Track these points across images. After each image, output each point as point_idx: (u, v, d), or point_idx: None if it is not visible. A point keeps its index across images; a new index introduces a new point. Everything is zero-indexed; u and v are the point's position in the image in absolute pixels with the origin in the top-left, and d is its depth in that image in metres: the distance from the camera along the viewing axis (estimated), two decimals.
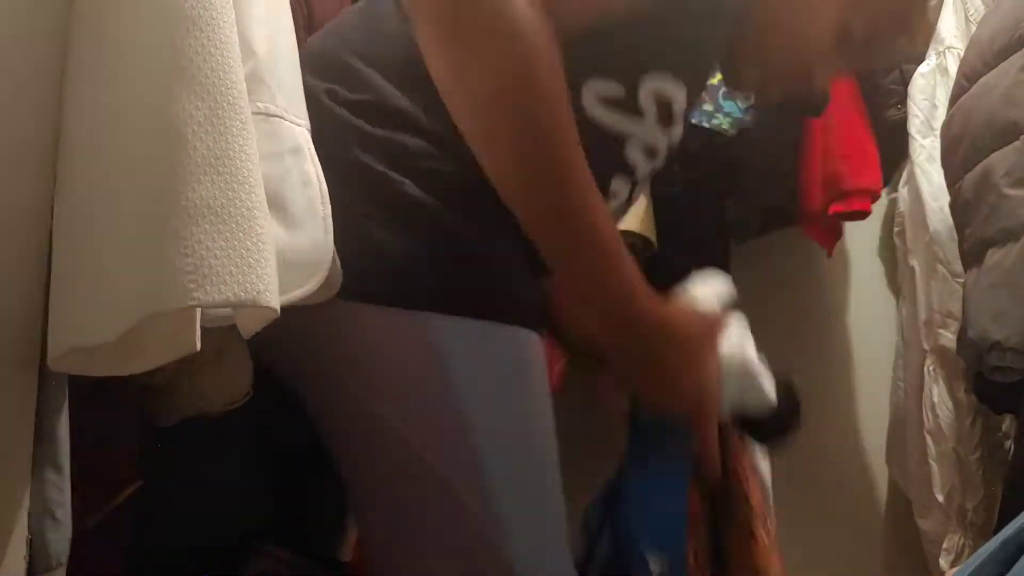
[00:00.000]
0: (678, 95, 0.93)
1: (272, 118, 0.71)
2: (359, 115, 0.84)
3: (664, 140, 0.96)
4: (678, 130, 0.97)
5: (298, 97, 0.77)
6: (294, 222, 0.72)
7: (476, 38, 0.78)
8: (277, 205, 0.70)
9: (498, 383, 0.84)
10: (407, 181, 0.82)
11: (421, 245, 0.81)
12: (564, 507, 0.88)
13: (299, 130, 0.74)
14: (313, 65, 0.87)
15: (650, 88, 0.91)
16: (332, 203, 0.76)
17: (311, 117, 0.80)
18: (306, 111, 0.79)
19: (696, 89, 0.98)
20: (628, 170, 0.95)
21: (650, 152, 0.96)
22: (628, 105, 0.90)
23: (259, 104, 0.70)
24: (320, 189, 0.74)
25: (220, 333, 0.76)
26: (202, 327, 0.68)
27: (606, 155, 0.91)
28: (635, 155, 0.94)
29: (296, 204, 0.72)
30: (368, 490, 0.87)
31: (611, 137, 0.91)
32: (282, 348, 0.83)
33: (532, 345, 0.87)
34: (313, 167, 0.75)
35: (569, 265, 0.84)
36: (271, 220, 0.66)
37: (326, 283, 0.74)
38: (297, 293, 0.70)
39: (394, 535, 0.84)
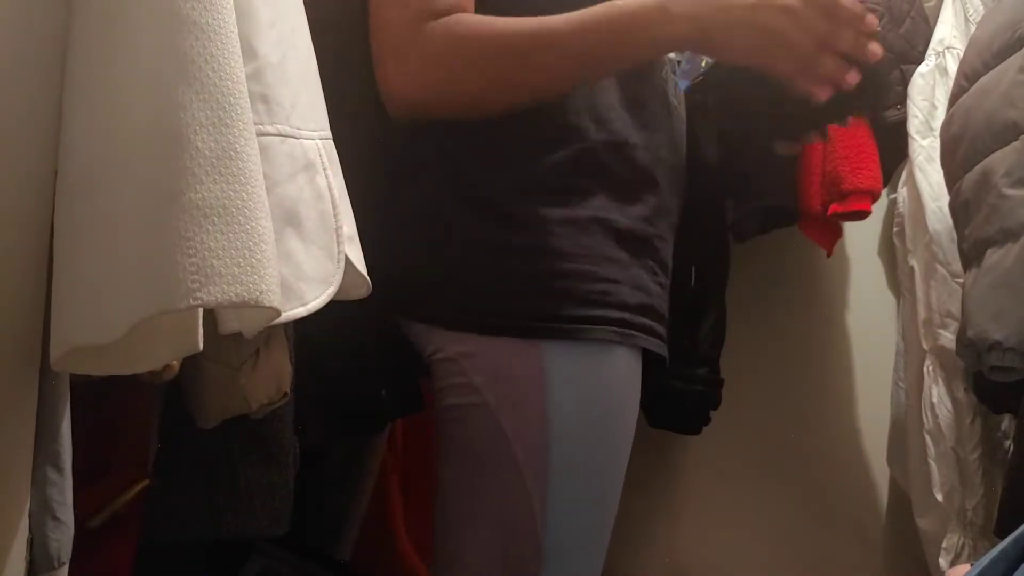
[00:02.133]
0: None
1: (288, 139, 0.73)
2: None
3: None
4: None
5: (314, 105, 0.79)
6: (309, 237, 0.75)
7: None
8: (294, 222, 0.73)
9: (586, 402, 1.01)
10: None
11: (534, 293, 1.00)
12: (615, 510, 1.06)
13: (311, 144, 0.76)
14: None
15: None
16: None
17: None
18: (325, 114, 0.80)
19: None
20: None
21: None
22: None
23: (276, 126, 0.72)
24: (333, 201, 0.77)
25: (259, 334, 0.79)
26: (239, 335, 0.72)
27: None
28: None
29: (310, 219, 0.75)
30: (459, 460, 1.05)
31: None
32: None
33: (626, 365, 1.04)
34: (326, 179, 0.77)
35: (615, 62, 1.03)
36: (290, 235, 0.70)
37: (350, 287, 0.79)
38: (313, 304, 0.74)
39: (464, 498, 1.04)
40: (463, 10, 1.01)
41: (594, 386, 1.02)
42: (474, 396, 1.01)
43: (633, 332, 1.05)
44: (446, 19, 0.99)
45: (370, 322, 1.06)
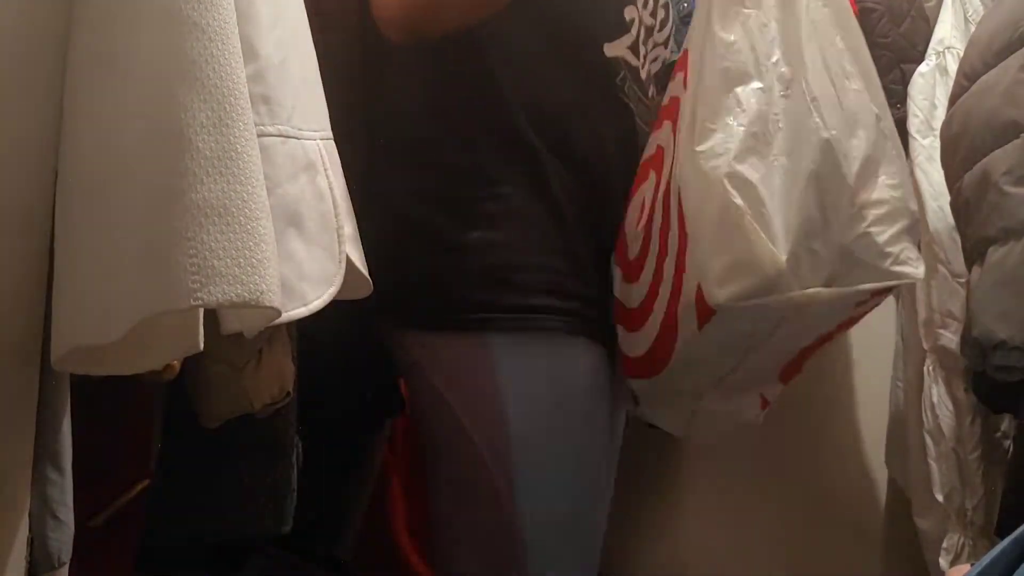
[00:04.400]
0: None
1: (289, 140, 0.73)
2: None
3: None
4: None
5: (314, 104, 0.79)
6: (311, 237, 0.75)
7: None
8: (296, 222, 0.74)
9: (542, 393, 1.00)
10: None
11: (472, 282, 1.01)
12: (598, 502, 1.07)
13: (312, 144, 0.77)
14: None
15: None
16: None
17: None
18: (326, 114, 0.80)
19: None
20: None
21: None
22: None
23: (278, 127, 0.72)
24: (334, 202, 0.78)
25: (261, 334, 0.79)
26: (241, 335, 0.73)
27: None
28: None
29: (312, 219, 0.76)
30: (434, 462, 1.07)
31: None
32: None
33: (582, 354, 1.04)
34: (327, 180, 0.77)
35: None
36: (292, 236, 0.70)
37: (352, 288, 0.79)
38: (314, 304, 0.74)
39: (441, 496, 1.06)
40: None
41: (549, 377, 1.01)
42: (436, 397, 1.02)
43: (581, 321, 1.04)
44: None
45: (354, 325, 1.05)
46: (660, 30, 1.20)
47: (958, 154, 1.50)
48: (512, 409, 0.99)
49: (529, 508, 0.99)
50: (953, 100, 1.57)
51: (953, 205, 1.56)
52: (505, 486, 0.99)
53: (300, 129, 0.75)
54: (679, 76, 1.08)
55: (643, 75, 1.16)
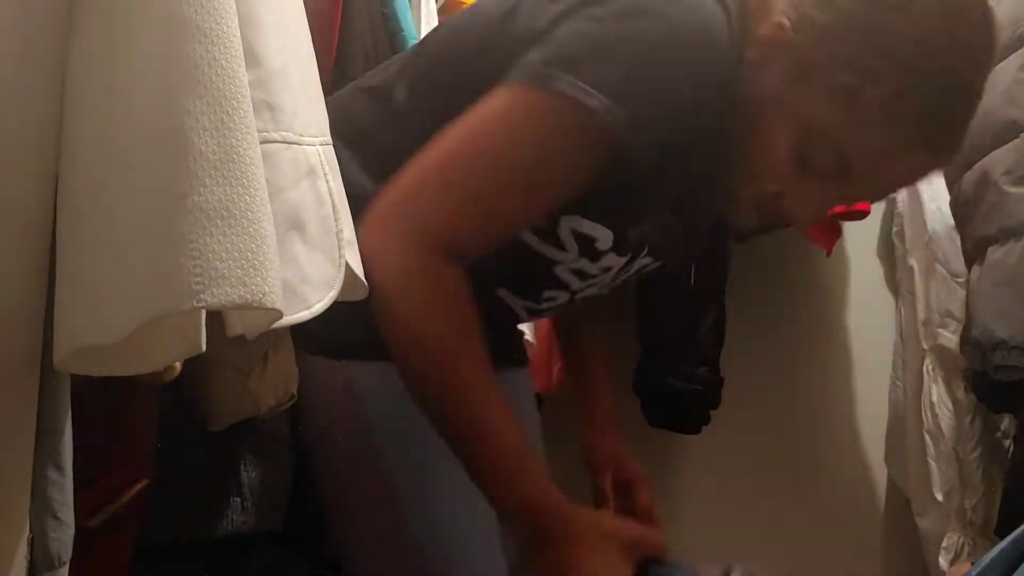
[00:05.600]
0: (601, 234, 1.00)
1: (292, 146, 0.73)
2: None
3: (594, 268, 1.04)
4: (616, 261, 1.04)
5: (315, 110, 0.79)
6: (312, 241, 0.75)
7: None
8: (298, 227, 0.74)
9: (403, 407, 0.95)
10: None
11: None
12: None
13: (313, 150, 0.77)
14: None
15: (567, 226, 0.99)
16: None
17: None
18: (326, 119, 0.80)
19: (624, 229, 1.01)
20: (563, 285, 1.06)
21: (580, 275, 1.05)
22: (551, 238, 1.00)
23: (281, 133, 0.72)
24: (334, 206, 0.78)
25: (267, 337, 0.79)
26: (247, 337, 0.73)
27: (538, 272, 1.04)
28: (566, 275, 1.05)
29: (313, 224, 0.76)
30: (322, 486, 1.06)
31: (542, 257, 1.02)
32: None
33: None
34: (326, 185, 0.78)
35: (473, 474, 0.93)
36: (294, 240, 0.70)
37: (349, 291, 0.79)
38: (316, 307, 0.75)
39: (337, 514, 1.07)
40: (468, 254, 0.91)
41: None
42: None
43: None
44: (440, 271, 0.90)
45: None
46: None
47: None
48: (371, 422, 1.00)
49: (419, 508, 1.00)
50: None
51: (952, 205, 1.56)
52: (388, 486, 1.00)
53: (301, 135, 0.75)
54: None
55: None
